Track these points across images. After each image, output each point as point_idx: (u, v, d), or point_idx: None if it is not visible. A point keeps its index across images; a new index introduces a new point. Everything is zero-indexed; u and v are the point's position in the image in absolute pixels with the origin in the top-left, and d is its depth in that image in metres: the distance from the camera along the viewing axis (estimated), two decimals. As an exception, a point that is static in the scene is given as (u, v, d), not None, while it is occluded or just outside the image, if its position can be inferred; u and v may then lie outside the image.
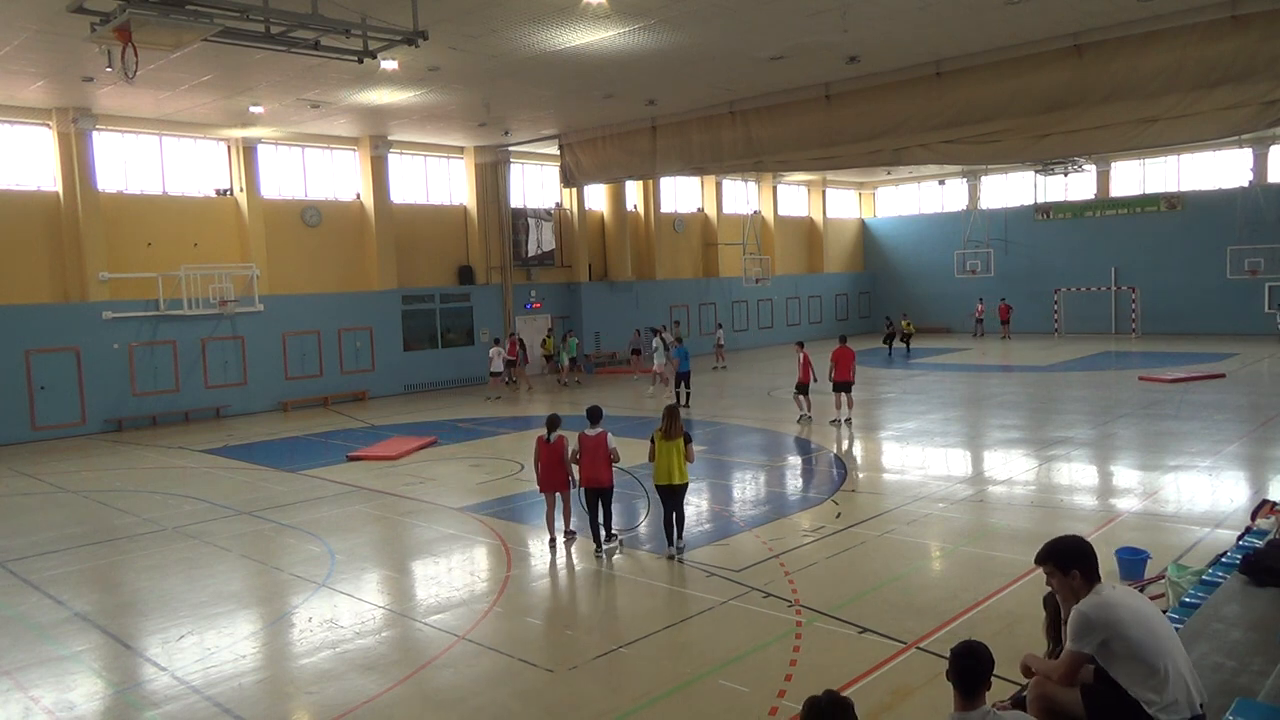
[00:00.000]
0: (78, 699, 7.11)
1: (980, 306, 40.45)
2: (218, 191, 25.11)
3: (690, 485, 10.75)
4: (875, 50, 18.23)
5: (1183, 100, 16.19)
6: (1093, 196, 39.13)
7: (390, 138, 27.16)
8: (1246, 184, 34.22)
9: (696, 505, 12.35)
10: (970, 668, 3.94)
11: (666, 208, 36.77)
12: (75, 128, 21.59)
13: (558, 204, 33.09)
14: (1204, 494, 12.25)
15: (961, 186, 43.24)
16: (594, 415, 10.52)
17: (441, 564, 10.59)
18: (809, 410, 19.27)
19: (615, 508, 10.77)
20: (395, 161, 28.25)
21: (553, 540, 10.84)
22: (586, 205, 33.47)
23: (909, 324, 35.34)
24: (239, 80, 19.02)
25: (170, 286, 23.16)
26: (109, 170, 23.07)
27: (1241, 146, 33.08)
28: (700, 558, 10.12)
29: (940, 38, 17.49)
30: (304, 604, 9.11)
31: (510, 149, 29.82)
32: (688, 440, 10.18)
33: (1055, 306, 39.46)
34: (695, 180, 37.93)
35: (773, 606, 8.43)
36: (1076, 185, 39.63)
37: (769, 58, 18.53)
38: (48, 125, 21.89)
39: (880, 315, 46.08)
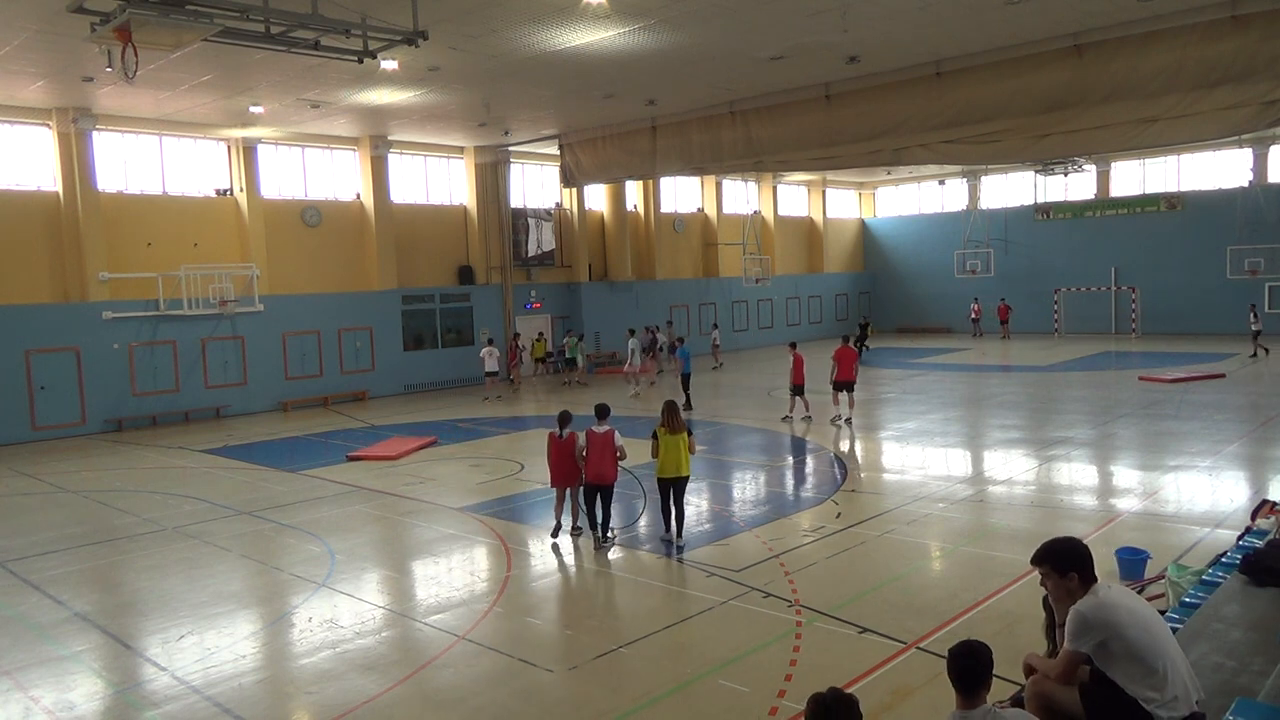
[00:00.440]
0: (78, 699, 7.11)
1: (977, 307, 40.44)
2: (218, 191, 25.11)
3: (690, 485, 11.00)
4: (875, 50, 18.23)
5: (1183, 100, 16.19)
6: (1093, 196, 39.13)
7: (390, 138, 27.16)
8: (1246, 184, 34.22)
9: (696, 505, 12.35)
10: (970, 667, 3.94)
11: (666, 208, 36.78)
12: (75, 128, 21.59)
13: (558, 204, 33.09)
14: (1204, 494, 12.25)
15: (961, 186, 43.24)
16: (601, 413, 10.82)
17: (441, 564, 10.59)
18: (802, 411, 19.38)
19: (615, 507, 10.84)
20: (395, 161, 28.25)
21: (557, 528, 11.03)
22: (586, 205, 33.47)
23: (868, 326, 35.14)
24: (239, 80, 19.02)
25: (170, 286, 23.17)
26: (109, 170, 23.07)
27: (1241, 146, 33.07)
28: (700, 558, 10.12)
29: (940, 38, 17.49)
30: (304, 604, 9.11)
31: (510, 149, 29.82)
32: (690, 433, 10.55)
33: (1055, 306, 39.45)
34: (695, 180, 37.93)
35: (773, 606, 8.43)
36: (1076, 185, 39.63)
37: (769, 58, 18.53)
38: (48, 125, 21.89)
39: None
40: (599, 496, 10.59)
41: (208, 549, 11.29)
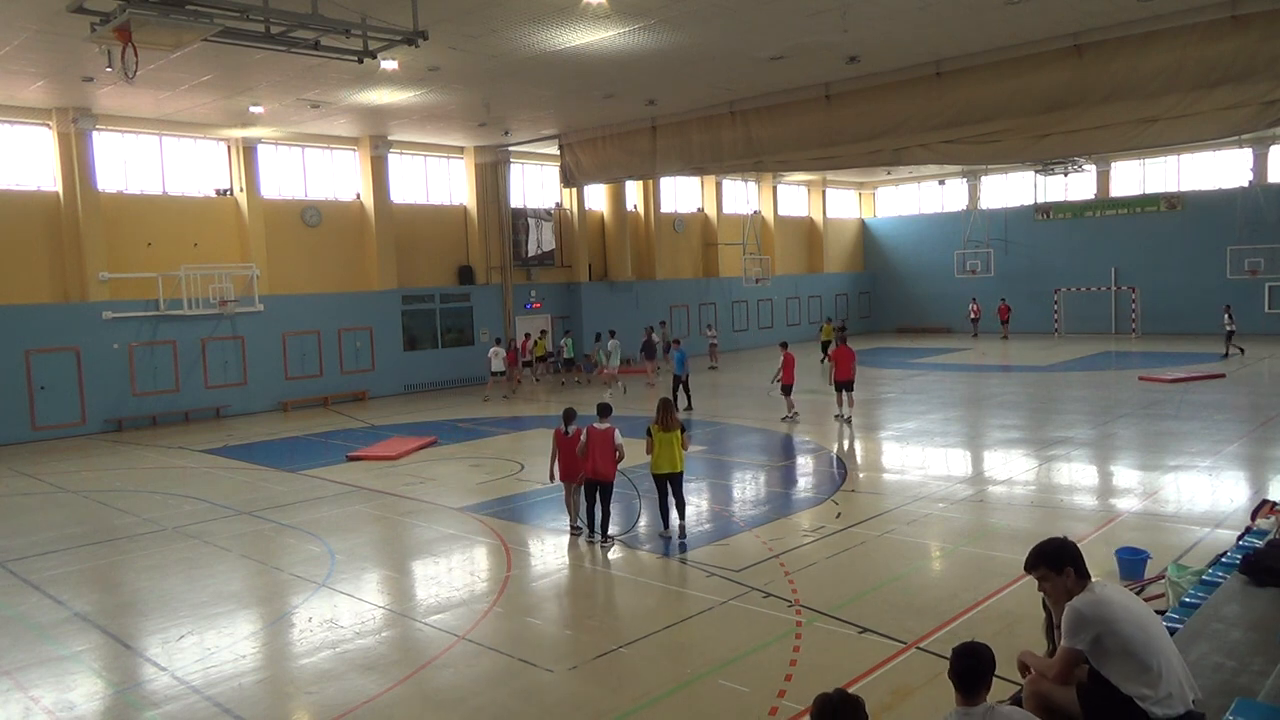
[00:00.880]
0: (78, 699, 7.11)
1: (976, 307, 40.43)
2: (218, 191, 25.11)
3: (691, 485, 11.08)
4: (875, 50, 18.23)
5: (1183, 100, 16.19)
6: (1093, 196, 39.13)
7: (390, 138, 27.16)
8: (1246, 184, 34.22)
9: (696, 505, 12.35)
10: (971, 667, 3.96)
11: (666, 208, 36.77)
12: (75, 128, 21.59)
13: (558, 204, 33.09)
14: (1204, 494, 12.25)
15: (961, 186, 43.24)
16: (603, 411, 11.00)
17: (441, 564, 10.59)
18: (788, 411, 19.46)
19: (614, 508, 10.89)
20: (395, 161, 28.25)
21: (574, 526, 11.27)
22: (586, 205, 33.47)
23: (830, 328, 32.37)
24: (239, 80, 19.02)
25: (170, 286, 23.17)
26: (109, 170, 23.07)
27: (1241, 146, 33.07)
28: (700, 558, 10.12)
29: (940, 38, 17.49)
30: (304, 604, 9.11)
31: (510, 149, 29.82)
32: (683, 430, 10.85)
33: (1055, 306, 39.45)
34: (695, 180, 37.92)
35: (773, 606, 8.43)
36: (1076, 185, 39.63)
37: (769, 58, 18.53)
38: (48, 125, 21.89)
39: (882, 314, 46.21)
40: (598, 494, 10.78)
41: (208, 549, 11.29)
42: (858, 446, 16.81)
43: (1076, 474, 14.10)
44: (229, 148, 25.03)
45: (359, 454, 17.35)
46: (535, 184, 32.71)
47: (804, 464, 15.71)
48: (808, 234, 44.33)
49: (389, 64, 17.26)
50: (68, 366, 21.70)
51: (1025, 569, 4.78)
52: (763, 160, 22.80)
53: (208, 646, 8.06)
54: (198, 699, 7.00)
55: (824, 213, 44.27)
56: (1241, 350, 28.13)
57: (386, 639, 8.14)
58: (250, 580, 10.20)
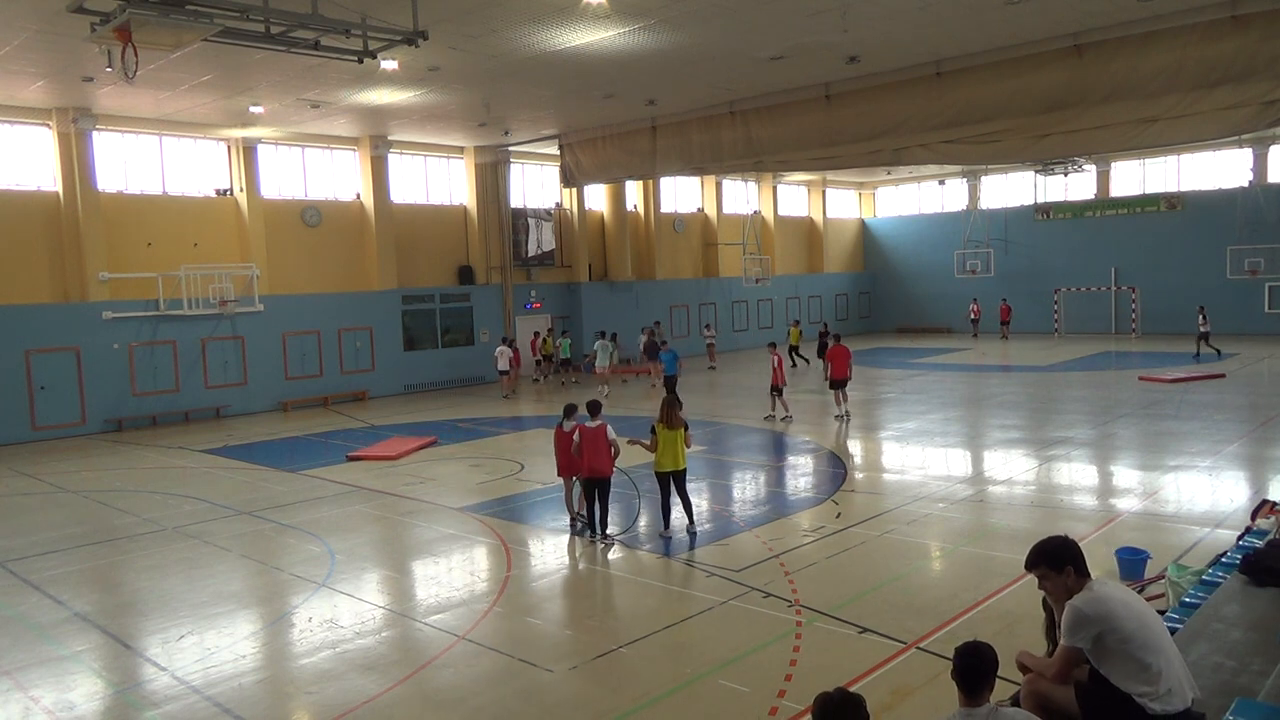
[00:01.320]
0: (78, 699, 7.11)
1: (976, 307, 40.41)
2: (218, 191, 25.11)
3: (690, 485, 11.29)
4: (875, 50, 18.23)
5: (1183, 100, 16.18)
6: (1093, 196, 39.13)
7: (390, 138, 27.16)
8: (1246, 184, 34.22)
9: (696, 505, 12.31)
10: (974, 667, 3.96)
11: (666, 208, 36.77)
12: (75, 128, 21.59)
13: (558, 204, 33.09)
14: (1204, 494, 12.25)
15: (961, 186, 43.24)
16: (593, 408, 11.12)
17: (441, 564, 10.59)
18: (777, 410, 19.59)
19: (614, 508, 10.94)
20: (395, 161, 28.25)
21: (573, 520, 11.41)
22: (586, 205, 33.47)
23: (797, 331, 32.28)
24: (239, 80, 19.02)
25: (170, 286, 23.17)
26: (109, 170, 23.07)
27: (1241, 146, 33.07)
28: (700, 558, 10.13)
29: (940, 38, 17.49)
30: (304, 604, 9.11)
31: (510, 149, 29.82)
32: (686, 428, 10.96)
33: (1055, 306, 39.45)
34: (695, 180, 37.92)
35: (773, 606, 8.43)
36: (1076, 185, 39.63)
37: (769, 58, 18.53)
38: (48, 125, 21.89)
39: (882, 314, 46.19)
40: (597, 491, 10.90)
41: (208, 549, 11.29)
42: (858, 446, 16.81)
43: (1076, 474, 14.09)
44: (229, 148, 25.03)
45: (359, 454, 17.35)
46: (535, 184, 32.71)
47: (804, 464, 15.70)
48: (808, 234, 44.33)
49: (389, 64, 17.26)
50: (68, 366, 21.69)
51: (1026, 567, 4.78)
52: (763, 160, 22.80)
53: (208, 646, 8.06)
54: (198, 699, 7.00)
55: (824, 213, 44.26)
56: (1218, 352, 27.98)
57: (386, 639, 8.14)
58: (250, 580, 10.20)
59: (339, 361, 26.61)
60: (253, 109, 21.60)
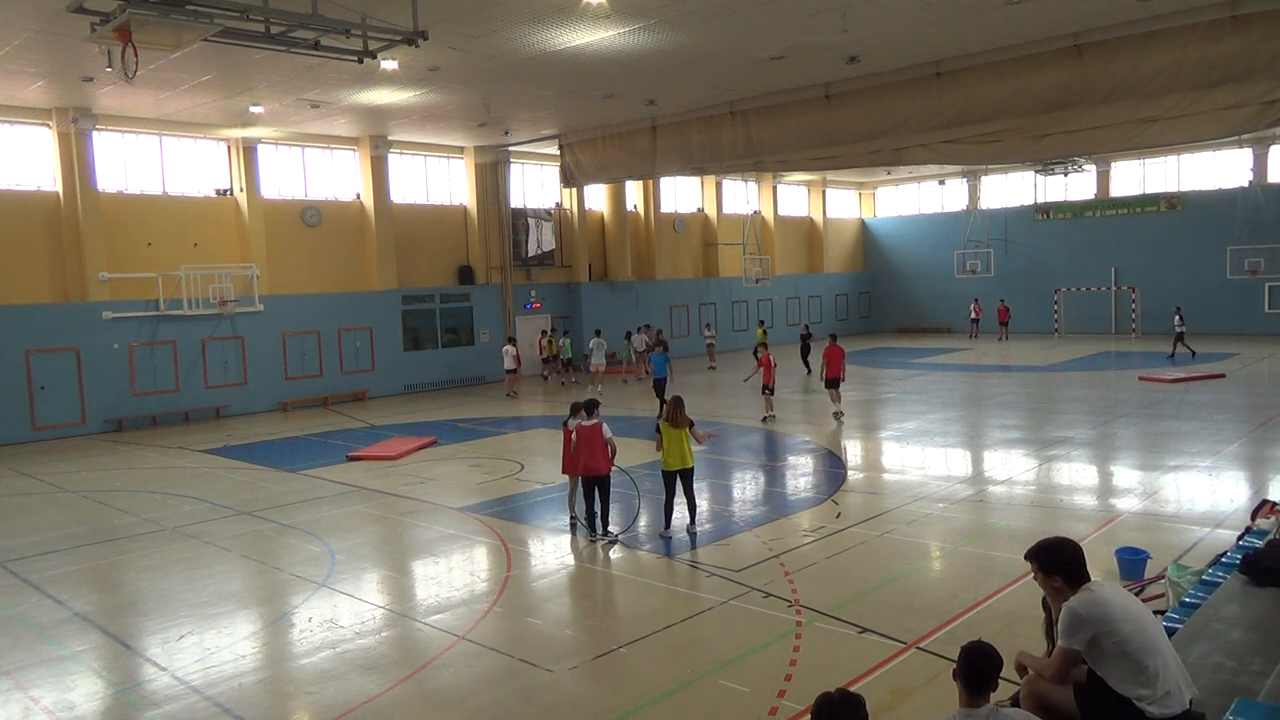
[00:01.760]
0: (78, 699, 7.11)
1: (977, 307, 40.40)
2: (218, 191, 25.11)
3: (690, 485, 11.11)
4: (875, 50, 18.23)
5: (1183, 100, 16.18)
6: (1093, 196, 39.13)
7: (390, 138, 27.16)
8: (1246, 184, 34.22)
9: (697, 505, 12.34)
10: (981, 666, 3.97)
11: (666, 208, 36.77)
12: (75, 128, 21.59)
13: (558, 204, 33.08)
14: (1204, 494, 12.25)
15: (961, 186, 43.24)
16: (589, 408, 11.15)
17: (441, 564, 10.59)
18: (766, 411, 19.68)
19: (614, 508, 10.95)
20: (395, 161, 28.25)
21: (573, 519, 11.46)
22: (586, 205, 33.47)
23: (762, 332, 31.10)
24: (239, 80, 19.02)
25: (170, 286, 23.17)
26: (109, 170, 23.07)
27: (1241, 146, 33.07)
28: (700, 558, 10.13)
29: (940, 38, 17.49)
30: (304, 604, 9.11)
31: (510, 149, 29.82)
32: (691, 425, 10.94)
33: (1055, 306, 39.44)
34: (695, 180, 37.91)
35: (773, 606, 8.43)
36: (1076, 185, 39.63)
37: (769, 58, 18.53)
38: (48, 125, 21.89)
39: (882, 315, 46.18)
40: (596, 490, 10.93)
41: (208, 549, 11.28)
42: (857, 446, 16.82)
43: (1076, 474, 14.09)
44: (229, 148, 25.03)
45: (359, 454, 17.35)
46: (535, 184, 32.71)
47: (803, 464, 15.70)
48: (808, 234, 44.33)
49: (389, 64, 17.26)
50: (68, 366, 21.69)
51: (1025, 557, 4.82)
52: (763, 160, 22.80)
53: (208, 646, 8.06)
54: (198, 699, 7.00)
55: (824, 213, 44.26)
56: (1193, 352, 27.99)
57: (386, 639, 8.14)
58: (250, 580, 10.20)
59: (339, 361, 26.61)
60: (253, 109, 21.60)
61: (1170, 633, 5.34)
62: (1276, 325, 33.95)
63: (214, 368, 24.11)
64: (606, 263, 34.52)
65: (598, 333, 27.38)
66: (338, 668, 7.48)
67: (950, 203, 44.26)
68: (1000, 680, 4.08)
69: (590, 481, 10.95)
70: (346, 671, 7.40)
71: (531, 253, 31.76)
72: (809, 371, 27.27)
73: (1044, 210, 40.15)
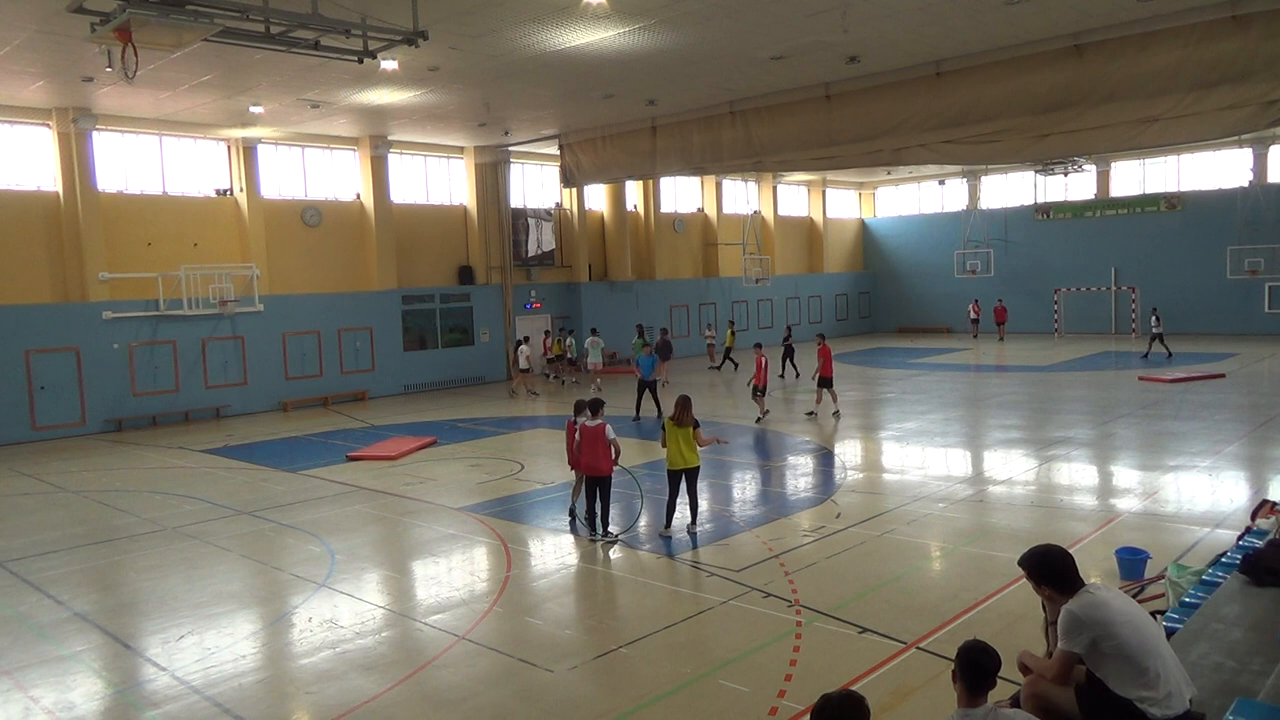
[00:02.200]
0: (78, 699, 7.11)
1: (976, 307, 40.40)
2: (218, 191, 25.11)
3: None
4: (875, 50, 18.23)
5: (1183, 100, 16.18)
6: (1093, 196, 39.13)
7: (390, 138, 27.15)
8: (1246, 184, 34.23)
9: (699, 505, 12.34)
10: (981, 664, 3.97)
11: (666, 208, 36.77)
12: (75, 128, 21.59)
13: (558, 204, 33.09)
14: (1204, 494, 12.25)
15: (961, 186, 43.24)
16: (594, 407, 11.18)
17: (441, 564, 10.59)
18: (759, 410, 19.74)
19: (615, 508, 10.96)
20: (395, 161, 28.25)
21: (572, 514, 11.59)
22: (586, 205, 33.47)
23: (731, 334, 31.63)
24: (239, 80, 19.02)
25: (170, 286, 23.16)
26: (109, 170, 23.07)
27: (1241, 146, 33.09)
28: (700, 558, 10.13)
29: (940, 38, 17.49)
30: (304, 604, 9.11)
31: (510, 149, 29.81)
32: (696, 426, 10.92)
33: (1055, 306, 39.45)
34: (695, 180, 37.92)
35: (773, 606, 8.43)
36: (1076, 185, 39.63)
37: (769, 58, 18.52)
38: (48, 125, 21.89)
39: (882, 315, 46.17)
40: (597, 489, 10.97)
41: (208, 549, 11.29)
42: (857, 446, 16.81)
43: (1076, 474, 14.09)
44: (229, 148, 25.03)
45: (359, 454, 17.35)
46: (535, 184, 32.71)
47: (803, 464, 15.70)
48: (808, 234, 44.33)
49: (389, 64, 17.25)
50: (68, 366, 21.69)
51: (1017, 563, 4.86)
52: (763, 160, 22.79)
53: (208, 646, 8.06)
54: (198, 699, 7.00)
55: (824, 213, 44.26)
56: (1170, 353, 28.06)
57: (386, 639, 8.14)
58: (250, 580, 10.20)
59: (339, 361, 26.61)
60: (253, 109, 21.59)
61: (1170, 633, 5.35)
62: (1276, 325, 33.95)
63: (214, 368, 24.11)
64: (606, 263, 34.52)
65: (594, 331, 27.37)
66: (338, 668, 7.48)
67: (950, 203, 44.26)
68: (1000, 680, 4.08)
69: (592, 482, 10.99)
70: (346, 671, 7.40)
71: (531, 253, 31.77)
72: (797, 375, 26.87)
73: (1044, 210, 40.15)
